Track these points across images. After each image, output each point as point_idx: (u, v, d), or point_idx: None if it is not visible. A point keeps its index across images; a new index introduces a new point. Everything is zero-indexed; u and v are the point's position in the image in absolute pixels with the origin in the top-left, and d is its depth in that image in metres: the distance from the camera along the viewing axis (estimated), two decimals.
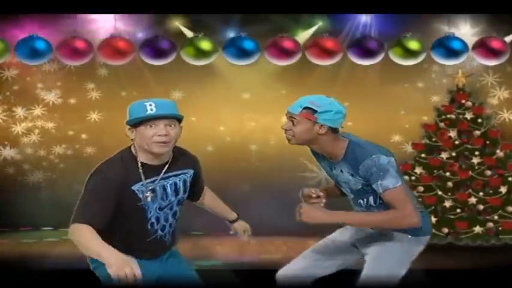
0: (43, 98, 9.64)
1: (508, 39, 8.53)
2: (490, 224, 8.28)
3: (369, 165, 3.50)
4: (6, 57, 8.54)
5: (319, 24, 8.74)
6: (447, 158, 8.44)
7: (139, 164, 3.32)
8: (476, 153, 8.43)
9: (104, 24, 8.72)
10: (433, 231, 8.20)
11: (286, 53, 8.51)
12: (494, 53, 8.49)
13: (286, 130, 3.63)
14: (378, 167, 3.49)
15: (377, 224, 3.59)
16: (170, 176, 3.42)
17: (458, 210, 8.32)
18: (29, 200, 9.48)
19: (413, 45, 8.47)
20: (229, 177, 8.83)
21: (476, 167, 8.40)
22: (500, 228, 8.28)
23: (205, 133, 9.23)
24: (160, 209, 3.42)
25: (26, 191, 9.58)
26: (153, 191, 3.34)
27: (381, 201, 3.61)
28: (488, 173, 8.37)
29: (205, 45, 8.50)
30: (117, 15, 8.61)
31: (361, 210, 3.75)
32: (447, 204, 8.31)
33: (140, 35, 8.76)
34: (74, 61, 8.69)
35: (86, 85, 9.62)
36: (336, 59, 8.60)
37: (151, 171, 3.35)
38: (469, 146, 8.47)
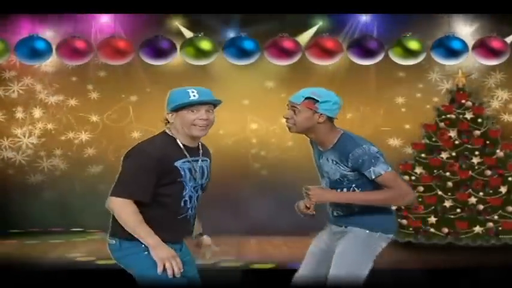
0: (43, 99, 9.63)
1: (508, 39, 8.53)
2: (490, 224, 8.27)
3: (359, 153, 3.78)
4: (6, 57, 8.55)
5: (319, 24, 8.75)
6: (447, 158, 8.43)
7: (180, 144, 3.59)
8: (476, 153, 8.42)
9: (104, 24, 8.73)
10: (433, 231, 8.22)
11: (286, 53, 8.53)
12: (494, 53, 8.50)
13: (287, 119, 3.90)
14: (369, 155, 3.77)
15: (379, 201, 3.85)
16: (200, 160, 3.68)
17: (458, 210, 8.32)
18: (30, 200, 9.48)
19: (413, 45, 8.48)
20: (229, 177, 8.82)
21: (476, 167, 8.40)
22: (500, 228, 8.28)
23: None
24: (194, 188, 3.65)
25: (27, 191, 9.57)
26: (190, 170, 3.60)
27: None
28: (488, 173, 8.37)
29: (205, 45, 8.52)
30: (117, 15, 8.62)
31: (329, 203, 4.02)
32: (447, 204, 8.31)
33: (140, 35, 8.77)
34: (74, 61, 8.70)
35: (86, 86, 9.60)
36: (336, 59, 8.61)
37: (189, 151, 3.61)
38: (469, 146, 8.46)
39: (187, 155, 3.60)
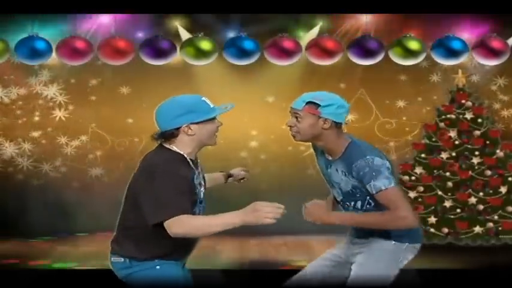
0: (44, 97, 9.64)
1: (510, 41, 8.53)
2: (490, 224, 8.27)
3: (362, 165, 3.50)
4: (6, 57, 8.55)
5: (320, 24, 8.75)
6: (447, 158, 8.43)
7: (188, 159, 3.43)
8: (476, 153, 8.42)
9: (103, 24, 8.73)
10: (433, 231, 8.22)
11: (286, 53, 8.52)
12: (494, 53, 8.50)
13: (290, 127, 3.64)
14: (371, 167, 3.48)
15: (372, 224, 3.57)
16: (200, 172, 3.56)
17: (458, 210, 8.32)
18: (32, 201, 9.48)
19: (413, 45, 8.48)
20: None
21: (476, 167, 8.39)
22: (500, 228, 8.28)
23: None
24: (200, 202, 3.51)
25: (27, 191, 9.57)
26: (200, 184, 3.49)
27: (367, 207, 3.64)
28: (488, 173, 8.37)
29: (205, 45, 8.51)
30: (117, 15, 8.62)
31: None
32: (447, 204, 8.31)
33: (140, 35, 8.77)
34: (74, 61, 8.69)
35: (86, 85, 9.61)
36: (336, 59, 8.61)
37: (194, 165, 3.48)
38: (469, 146, 8.46)
39: (195, 169, 3.48)
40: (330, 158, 3.70)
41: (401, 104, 9.57)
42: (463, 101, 8.59)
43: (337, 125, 3.62)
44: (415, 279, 6.23)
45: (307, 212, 3.63)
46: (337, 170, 3.65)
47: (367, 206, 3.63)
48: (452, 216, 8.30)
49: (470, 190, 8.33)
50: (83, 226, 9.25)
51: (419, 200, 8.35)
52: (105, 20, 8.69)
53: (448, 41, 8.47)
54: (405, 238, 3.70)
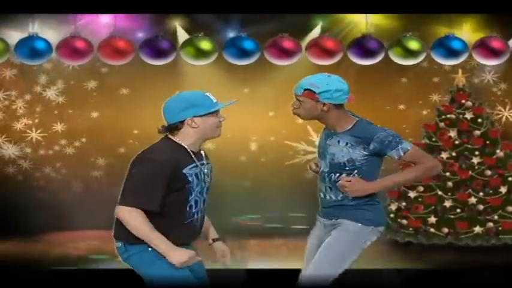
0: (44, 97, 9.65)
1: (511, 42, 8.52)
2: (490, 224, 8.27)
3: (384, 135, 3.89)
4: (6, 57, 8.55)
5: (320, 24, 8.74)
6: (447, 158, 8.43)
7: (189, 150, 3.64)
8: (476, 153, 8.42)
9: (104, 24, 8.73)
10: (433, 231, 8.22)
11: (286, 53, 8.52)
12: (494, 53, 8.49)
13: (294, 108, 3.98)
14: (393, 136, 3.91)
15: (412, 180, 4.23)
16: (204, 164, 3.73)
17: (458, 210, 8.32)
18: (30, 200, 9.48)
19: (413, 45, 8.47)
20: (229, 177, 8.81)
21: (476, 167, 8.39)
22: (500, 228, 8.27)
23: None
24: (200, 193, 3.69)
25: (27, 191, 9.57)
26: (196, 175, 3.64)
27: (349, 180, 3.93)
28: (488, 173, 8.36)
29: (205, 45, 8.51)
30: (117, 15, 8.61)
31: (325, 185, 4.03)
32: (447, 204, 8.31)
33: (140, 35, 8.76)
34: (74, 61, 8.69)
35: (85, 83, 9.62)
36: (336, 59, 8.61)
37: (196, 156, 3.67)
38: (469, 146, 8.46)
39: (196, 161, 3.65)
40: (333, 131, 3.99)
41: (401, 105, 9.57)
42: (463, 101, 8.58)
43: (337, 106, 3.94)
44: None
45: (349, 188, 3.89)
46: (339, 141, 3.96)
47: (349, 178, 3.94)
48: (452, 216, 8.30)
49: (470, 190, 8.33)
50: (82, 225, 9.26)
51: (419, 200, 8.35)
52: (105, 19, 8.69)
53: (448, 41, 8.47)
54: (371, 221, 3.97)
